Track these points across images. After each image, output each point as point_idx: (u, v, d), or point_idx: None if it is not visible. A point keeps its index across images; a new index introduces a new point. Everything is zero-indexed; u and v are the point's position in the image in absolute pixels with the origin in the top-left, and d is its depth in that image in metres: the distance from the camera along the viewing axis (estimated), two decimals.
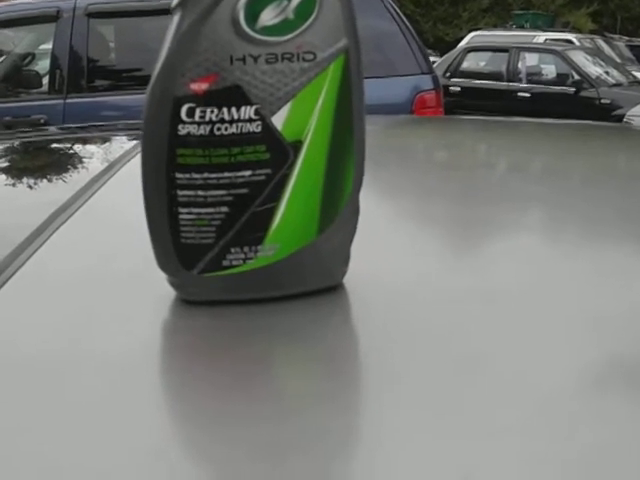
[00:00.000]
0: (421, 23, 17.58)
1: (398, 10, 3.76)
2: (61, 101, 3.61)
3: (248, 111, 0.38)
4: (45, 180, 0.85)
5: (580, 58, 7.94)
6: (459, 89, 8.11)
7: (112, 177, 0.68)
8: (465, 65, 8.46)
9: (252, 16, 0.37)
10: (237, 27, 0.37)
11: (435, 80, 3.71)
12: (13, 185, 0.82)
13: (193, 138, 0.38)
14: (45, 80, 4.00)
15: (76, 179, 0.70)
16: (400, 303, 0.42)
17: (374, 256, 0.47)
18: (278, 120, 0.39)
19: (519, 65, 8.10)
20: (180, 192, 0.39)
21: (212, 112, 0.38)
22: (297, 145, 0.39)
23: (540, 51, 8.42)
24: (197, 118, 0.38)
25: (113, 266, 0.47)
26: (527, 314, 0.40)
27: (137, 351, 0.37)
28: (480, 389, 0.32)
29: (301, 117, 0.39)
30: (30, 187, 0.79)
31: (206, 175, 0.38)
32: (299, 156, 0.39)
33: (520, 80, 8.00)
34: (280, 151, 0.39)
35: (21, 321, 0.41)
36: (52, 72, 3.78)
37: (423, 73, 3.67)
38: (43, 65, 4.32)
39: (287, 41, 0.38)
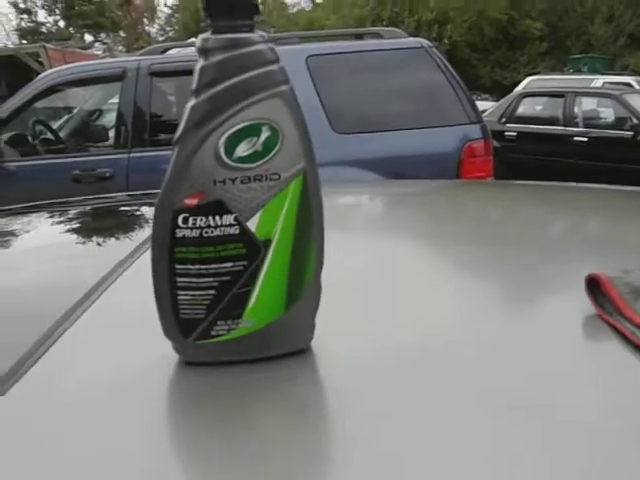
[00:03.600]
0: (478, 67, 17.70)
1: (446, 62, 3.87)
2: (126, 155, 3.81)
3: (228, 218, 0.50)
4: (79, 257, 0.99)
5: (638, 102, 7.90)
6: (515, 134, 8.16)
7: (138, 259, 0.82)
8: (521, 110, 8.51)
9: (230, 150, 0.49)
10: (218, 158, 0.49)
11: (484, 129, 3.79)
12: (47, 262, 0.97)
13: (188, 239, 0.51)
14: (111, 134, 4.23)
15: (102, 262, 0.83)
16: (359, 363, 0.53)
17: (336, 323, 0.58)
18: (252, 224, 0.51)
19: (575, 109, 8.10)
20: (179, 279, 0.51)
21: (201, 220, 0.50)
22: (267, 242, 0.51)
23: (597, 95, 8.41)
24: (190, 224, 0.50)
25: (137, 333, 0.60)
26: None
27: (146, 399, 0.49)
28: (436, 446, 0.42)
29: (270, 221, 0.51)
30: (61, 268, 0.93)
31: (198, 266, 0.51)
32: (269, 250, 0.52)
33: (577, 124, 8.00)
34: (254, 247, 0.51)
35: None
36: (117, 127, 4.00)
37: (472, 123, 3.75)
38: (110, 119, 4.58)
39: (257, 166, 0.50)
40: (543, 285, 0.72)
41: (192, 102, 0.49)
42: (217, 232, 0.51)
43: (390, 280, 0.74)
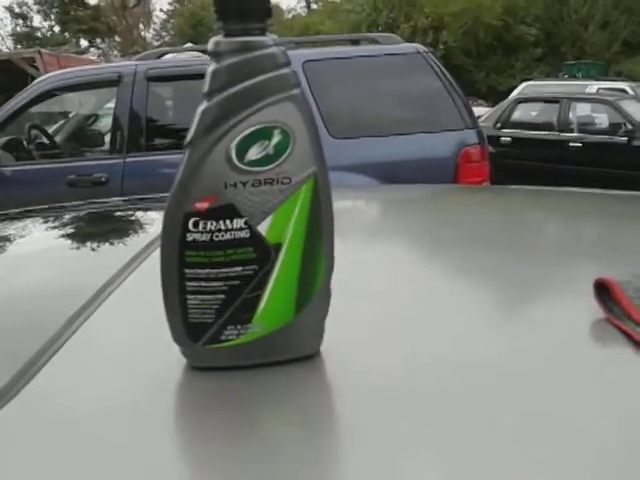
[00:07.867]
0: (473, 73, 17.75)
1: (442, 67, 3.88)
2: (121, 160, 3.81)
3: (239, 222, 0.50)
4: (84, 261, 0.98)
5: (632, 107, 7.92)
6: (510, 139, 8.18)
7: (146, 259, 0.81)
8: (516, 115, 8.53)
9: (241, 153, 0.49)
10: (230, 161, 0.49)
11: (480, 135, 3.81)
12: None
13: (198, 243, 0.50)
14: (107, 139, 4.21)
15: (114, 262, 0.83)
16: (366, 368, 0.53)
17: (347, 328, 0.58)
18: (263, 228, 0.50)
19: (570, 115, 8.12)
20: (188, 283, 0.51)
21: (212, 224, 0.50)
22: (278, 246, 0.51)
23: (591, 101, 8.43)
24: (200, 228, 0.50)
25: (147, 337, 0.60)
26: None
27: (152, 405, 0.49)
28: (447, 453, 0.42)
29: (281, 225, 0.51)
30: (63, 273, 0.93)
31: (207, 270, 0.51)
32: (279, 255, 0.51)
33: (571, 130, 8.02)
34: (264, 251, 0.51)
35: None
36: (113, 132, 3.99)
37: (468, 128, 3.77)
38: (105, 124, 4.57)
39: (268, 170, 0.50)
40: (549, 291, 0.72)
41: (203, 106, 0.49)
42: (227, 236, 0.50)
43: (397, 286, 0.73)
